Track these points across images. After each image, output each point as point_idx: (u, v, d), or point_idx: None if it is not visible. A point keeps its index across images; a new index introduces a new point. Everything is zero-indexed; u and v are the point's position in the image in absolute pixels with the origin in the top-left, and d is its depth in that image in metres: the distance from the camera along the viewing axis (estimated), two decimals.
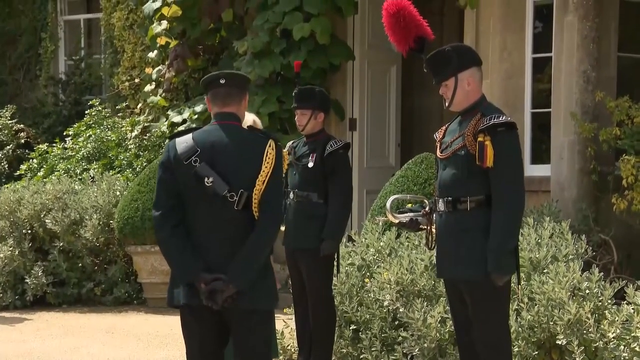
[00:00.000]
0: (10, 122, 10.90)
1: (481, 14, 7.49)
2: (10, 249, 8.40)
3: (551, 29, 6.93)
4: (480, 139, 4.01)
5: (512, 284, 4.29)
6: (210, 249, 3.67)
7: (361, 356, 5.42)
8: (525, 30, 7.23)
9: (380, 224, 5.87)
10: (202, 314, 3.70)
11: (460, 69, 4.11)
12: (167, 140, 3.82)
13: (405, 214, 4.29)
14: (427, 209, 4.25)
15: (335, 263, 5.54)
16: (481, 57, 4.31)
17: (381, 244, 5.73)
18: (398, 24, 4.25)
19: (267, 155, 3.67)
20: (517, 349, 4.81)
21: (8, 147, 10.79)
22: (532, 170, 7.15)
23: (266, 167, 3.66)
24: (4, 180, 10.38)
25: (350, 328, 5.56)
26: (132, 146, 9.69)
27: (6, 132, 10.84)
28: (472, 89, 4.14)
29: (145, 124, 9.87)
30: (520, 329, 4.86)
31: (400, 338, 5.22)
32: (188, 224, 3.69)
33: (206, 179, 3.62)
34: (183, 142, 3.70)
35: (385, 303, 5.33)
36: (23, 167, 10.22)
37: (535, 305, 4.90)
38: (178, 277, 3.71)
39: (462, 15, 7.97)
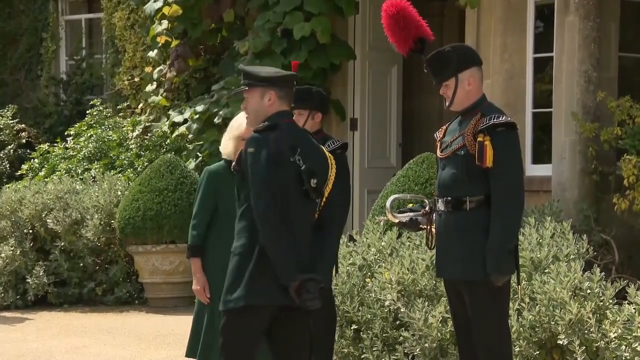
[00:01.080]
0: (12, 122, 10.90)
1: (482, 15, 7.49)
2: (12, 248, 8.40)
3: (552, 29, 6.93)
4: (480, 138, 4.02)
5: (512, 284, 4.29)
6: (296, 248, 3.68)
7: (362, 356, 5.42)
8: (526, 30, 7.23)
9: (382, 223, 5.87)
10: (270, 314, 3.67)
11: (460, 69, 4.12)
12: (255, 135, 3.76)
13: (405, 214, 4.31)
14: (427, 208, 4.26)
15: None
16: (482, 57, 4.32)
17: (382, 243, 5.73)
18: (397, 25, 4.26)
19: (331, 160, 3.79)
20: (518, 349, 4.81)
21: (9, 147, 10.79)
22: (533, 170, 7.16)
23: (333, 170, 3.77)
24: (5, 180, 10.39)
25: (352, 328, 5.56)
26: (133, 146, 9.70)
27: (7, 132, 10.84)
28: (472, 89, 4.15)
29: (147, 124, 9.87)
30: (521, 328, 4.86)
31: (401, 338, 5.22)
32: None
33: (312, 180, 3.66)
34: (281, 138, 3.66)
35: (387, 303, 5.33)
36: (24, 166, 10.22)
37: (537, 305, 4.90)
38: (285, 277, 3.60)
39: (463, 16, 7.97)
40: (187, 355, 4.73)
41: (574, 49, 6.66)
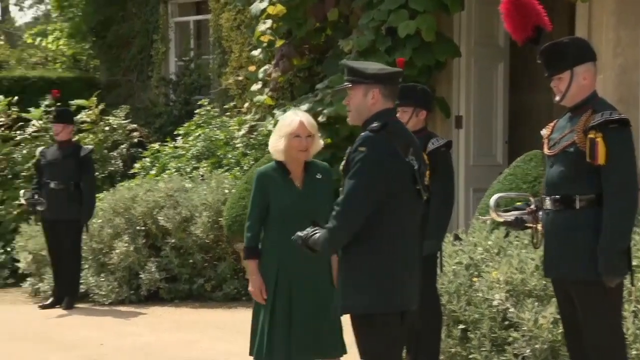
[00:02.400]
0: (125, 122, 11.29)
1: (593, 9, 7.29)
2: (126, 245, 8.66)
3: None
4: (591, 135, 3.93)
5: (626, 286, 4.17)
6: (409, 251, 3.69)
7: (470, 356, 5.37)
8: None
9: (488, 222, 5.80)
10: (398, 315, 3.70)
11: (577, 63, 4.04)
12: (368, 134, 3.60)
13: (511, 213, 4.25)
14: (532, 207, 4.19)
15: (438, 262, 5.50)
16: None
17: (489, 242, 5.67)
18: (518, 12, 4.19)
19: (425, 159, 3.81)
20: (635, 352, 4.67)
21: (122, 146, 11.17)
22: None
23: (427, 170, 3.79)
24: (119, 178, 10.76)
25: (459, 327, 5.52)
26: (239, 145, 9.88)
27: (120, 131, 11.23)
28: (587, 84, 4.06)
29: (252, 123, 10.04)
30: (638, 331, 4.72)
31: (510, 338, 5.15)
32: (390, 224, 3.58)
33: (424, 179, 3.67)
34: (396, 138, 3.61)
35: (495, 303, 5.26)
36: (137, 165, 10.54)
37: None
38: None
39: (573, 10, 7.77)
40: (251, 354, 4.79)
41: None
